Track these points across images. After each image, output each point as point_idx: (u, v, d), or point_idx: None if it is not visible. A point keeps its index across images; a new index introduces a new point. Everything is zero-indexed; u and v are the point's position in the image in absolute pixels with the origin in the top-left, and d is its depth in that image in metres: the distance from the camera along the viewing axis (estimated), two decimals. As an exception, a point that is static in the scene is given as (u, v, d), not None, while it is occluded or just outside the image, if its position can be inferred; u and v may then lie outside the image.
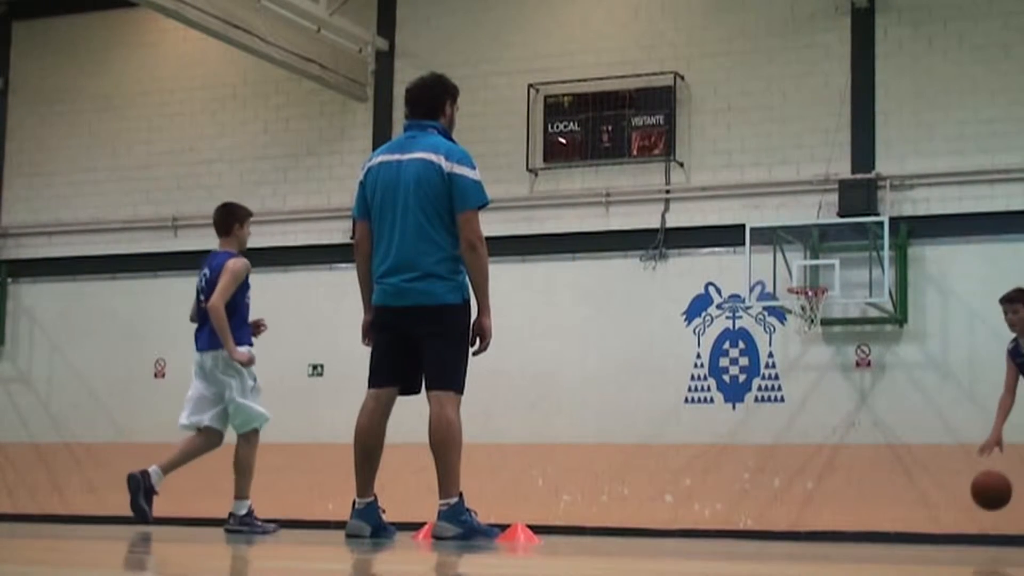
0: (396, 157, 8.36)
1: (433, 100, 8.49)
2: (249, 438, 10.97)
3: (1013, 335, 12.13)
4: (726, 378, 15.92)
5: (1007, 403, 12.08)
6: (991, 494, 11.27)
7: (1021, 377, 12.02)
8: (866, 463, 15.41)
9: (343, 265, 17.09)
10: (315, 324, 17.42)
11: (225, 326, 10.36)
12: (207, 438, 11.07)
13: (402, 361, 8.30)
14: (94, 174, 18.82)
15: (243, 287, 10.51)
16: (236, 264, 10.47)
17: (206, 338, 10.66)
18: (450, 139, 8.43)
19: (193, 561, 5.47)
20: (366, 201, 8.40)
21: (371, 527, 8.33)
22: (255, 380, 10.79)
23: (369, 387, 8.42)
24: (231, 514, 11.00)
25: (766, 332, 15.91)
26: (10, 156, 19.33)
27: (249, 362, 10.56)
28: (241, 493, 10.96)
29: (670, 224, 16.32)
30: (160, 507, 17.60)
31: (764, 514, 15.65)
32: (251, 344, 10.71)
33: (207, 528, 14.94)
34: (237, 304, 10.50)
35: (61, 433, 18.42)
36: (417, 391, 8.38)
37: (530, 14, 17.24)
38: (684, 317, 16.14)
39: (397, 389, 8.40)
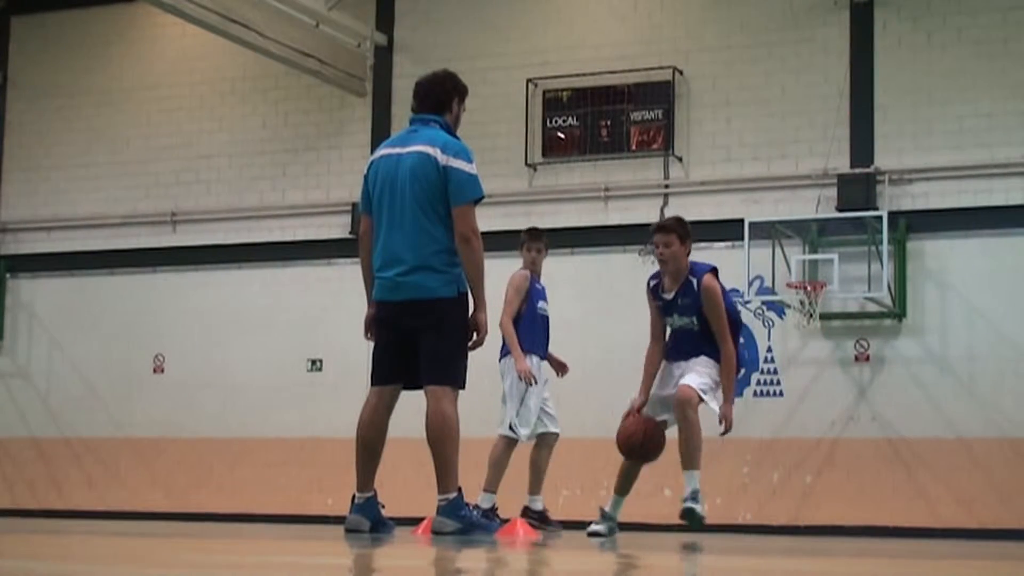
0: (397, 150, 8.38)
1: (441, 95, 8.50)
2: (542, 441, 11.68)
3: (656, 271, 10.02)
4: (725, 373, 15.90)
5: (656, 356, 9.93)
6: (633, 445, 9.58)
7: (667, 322, 9.86)
8: (865, 457, 15.42)
9: (342, 260, 17.10)
10: (314, 319, 17.43)
11: (512, 339, 11.20)
12: (540, 443, 11.73)
13: (403, 358, 8.30)
14: (93, 169, 18.81)
15: (527, 298, 11.35)
16: (514, 277, 11.42)
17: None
18: (452, 134, 8.43)
19: (192, 557, 5.47)
20: (369, 195, 8.42)
21: (370, 522, 8.34)
22: (525, 389, 11.38)
23: (372, 384, 8.42)
24: (526, 507, 11.60)
25: (765, 326, 15.92)
26: (9, 151, 19.32)
27: (525, 375, 11.20)
28: (532, 489, 11.61)
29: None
30: (160, 503, 17.68)
31: (763, 508, 15.66)
32: (541, 355, 11.49)
33: (205, 524, 14.98)
34: (522, 314, 11.30)
35: (60, 428, 18.42)
36: (421, 386, 8.37)
37: (529, 9, 17.24)
38: (683, 312, 16.12)
39: (400, 386, 8.41)
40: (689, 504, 9.41)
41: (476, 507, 10.76)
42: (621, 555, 6.64)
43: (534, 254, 11.58)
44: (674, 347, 9.84)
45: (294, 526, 13.09)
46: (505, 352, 11.38)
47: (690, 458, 9.41)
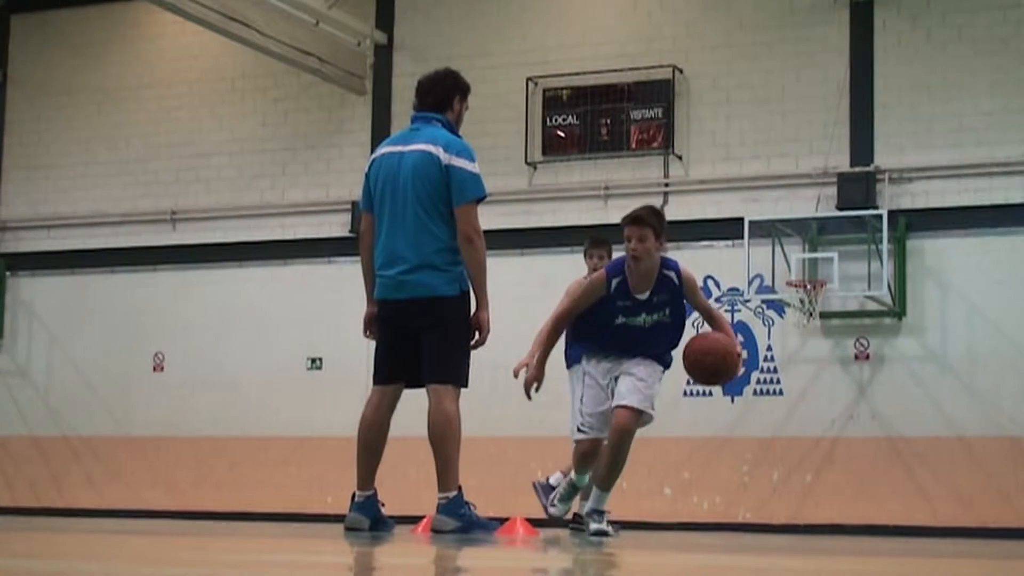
0: (399, 149, 8.38)
1: (442, 93, 8.49)
2: None
3: (615, 263, 8.89)
4: (725, 371, 15.91)
5: (561, 328, 9.06)
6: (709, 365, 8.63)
7: (624, 322, 8.69)
8: (865, 456, 15.42)
9: (341, 258, 17.10)
10: (313, 318, 17.43)
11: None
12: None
13: (406, 356, 8.30)
14: (93, 167, 18.81)
15: (592, 304, 10.43)
16: (571, 284, 11.00)
17: None
18: (454, 133, 8.43)
19: (192, 555, 5.48)
20: (371, 193, 8.42)
21: (370, 520, 8.34)
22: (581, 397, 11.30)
23: (374, 384, 8.42)
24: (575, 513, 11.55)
25: (765, 325, 15.92)
26: (9, 149, 19.33)
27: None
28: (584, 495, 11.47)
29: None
30: (160, 501, 17.68)
31: (763, 507, 15.67)
32: (584, 356, 11.17)
33: (204, 522, 14.97)
34: (582, 319, 10.50)
35: (60, 426, 18.43)
36: (423, 384, 8.37)
37: (529, 7, 17.24)
38: (683, 310, 16.12)
39: (402, 385, 8.41)
40: (596, 525, 8.87)
41: (545, 481, 10.87)
42: (621, 554, 6.64)
43: (596, 260, 11.46)
44: (629, 343, 8.73)
45: (294, 524, 13.08)
46: (571, 361, 11.17)
47: (608, 481, 8.88)
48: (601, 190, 16.61)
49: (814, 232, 15.50)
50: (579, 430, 8.85)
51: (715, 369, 8.63)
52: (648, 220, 8.64)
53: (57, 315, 18.71)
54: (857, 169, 15.66)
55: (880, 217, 14.95)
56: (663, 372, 8.98)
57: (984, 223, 15.34)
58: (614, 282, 8.66)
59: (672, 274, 8.69)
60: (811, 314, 15.26)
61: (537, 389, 8.80)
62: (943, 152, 15.54)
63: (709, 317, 9.01)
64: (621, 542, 8.35)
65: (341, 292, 16.78)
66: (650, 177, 16.47)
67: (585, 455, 8.92)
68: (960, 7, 15.65)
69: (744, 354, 8.81)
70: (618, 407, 8.69)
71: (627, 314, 8.68)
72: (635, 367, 8.74)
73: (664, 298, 8.70)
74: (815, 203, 15.75)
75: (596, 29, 16.91)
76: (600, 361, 8.82)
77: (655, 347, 8.82)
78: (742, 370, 8.92)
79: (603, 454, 8.93)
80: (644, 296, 8.67)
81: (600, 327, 8.74)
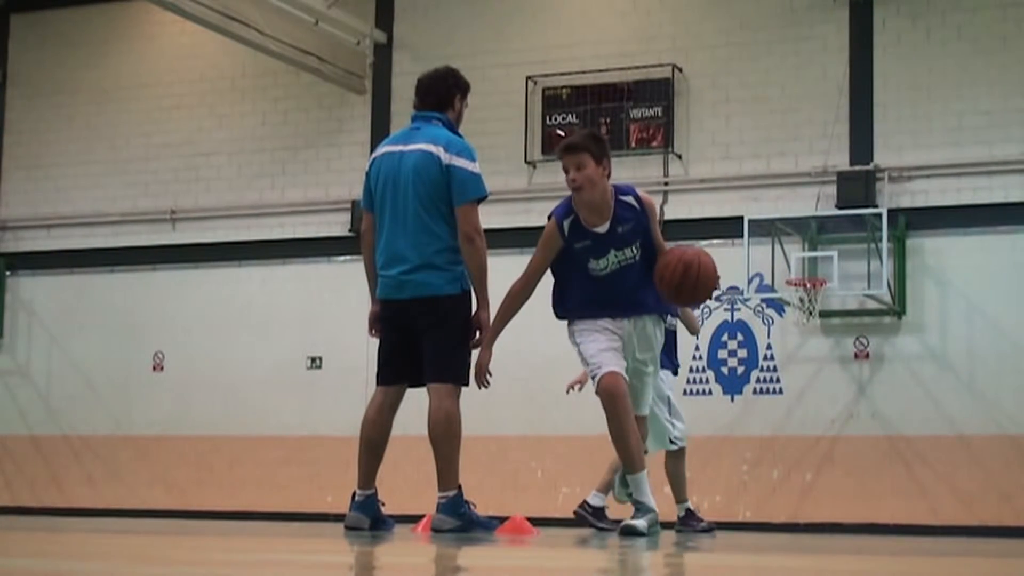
0: (399, 148, 8.38)
1: (443, 92, 8.49)
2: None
3: (562, 205, 8.17)
4: (724, 370, 15.93)
5: (521, 300, 8.18)
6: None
7: (595, 268, 8.01)
8: (864, 455, 15.42)
9: (341, 258, 17.11)
10: (313, 317, 17.43)
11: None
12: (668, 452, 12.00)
13: (409, 357, 8.30)
14: (92, 167, 18.81)
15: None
16: None
17: None
18: (454, 132, 8.43)
19: (192, 555, 5.48)
20: (371, 192, 8.42)
21: (370, 519, 8.34)
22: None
23: (378, 384, 8.43)
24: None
25: (764, 324, 15.92)
26: (8, 149, 19.32)
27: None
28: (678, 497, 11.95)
29: (668, 216, 16.30)
30: (160, 501, 17.67)
31: (763, 506, 15.67)
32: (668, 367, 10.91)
33: (204, 522, 14.96)
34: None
35: (59, 426, 18.43)
36: (426, 383, 8.38)
37: (528, 6, 17.24)
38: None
39: (405, 385, 8.41)
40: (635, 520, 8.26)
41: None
42: (620, 553, 6.64)
43: None
44: (609, 296, 7.96)
45: (294, 523, 13.09)
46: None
47: (623, 458, 8.29)
48: (601, 189, 16.60)
49: (814, 231, 15.51)
50: (592, 376, 7.98)
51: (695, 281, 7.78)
52: (583, 145, 7.84)
53: (57, 314, 18.71)
54: (857, 168, 15.66)
55: (880, 216, 14.95)
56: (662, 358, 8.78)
57: (984, 222, 15.34)
58: (565, 224, 7.98)
59: (630, 198, 7.93)
60: (811, 313, 15.26)
61: (486, 383, 8.27)
62: (942, 151, 15.54)
63: (664, 249, 8.02)
64: (620, 541, 8.35)
65: (341, 291, 16.80)
66: (650, 176, 16.47)
67: (610, 390, 7.88)
68: (960, 6, 15.65)
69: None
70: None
71: (595, 255, 7.92)
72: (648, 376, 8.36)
73: (628, 227, 7.91)
74: (815, 202, 15.76)
75: (595, 28, 16.91)
76: (596, 319, 8.02)
77: (653, 287, 7.97)
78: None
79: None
80: (603, 229, 7.90)
81: (584, 292, 8.00)
